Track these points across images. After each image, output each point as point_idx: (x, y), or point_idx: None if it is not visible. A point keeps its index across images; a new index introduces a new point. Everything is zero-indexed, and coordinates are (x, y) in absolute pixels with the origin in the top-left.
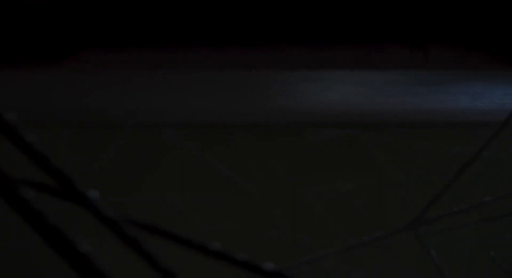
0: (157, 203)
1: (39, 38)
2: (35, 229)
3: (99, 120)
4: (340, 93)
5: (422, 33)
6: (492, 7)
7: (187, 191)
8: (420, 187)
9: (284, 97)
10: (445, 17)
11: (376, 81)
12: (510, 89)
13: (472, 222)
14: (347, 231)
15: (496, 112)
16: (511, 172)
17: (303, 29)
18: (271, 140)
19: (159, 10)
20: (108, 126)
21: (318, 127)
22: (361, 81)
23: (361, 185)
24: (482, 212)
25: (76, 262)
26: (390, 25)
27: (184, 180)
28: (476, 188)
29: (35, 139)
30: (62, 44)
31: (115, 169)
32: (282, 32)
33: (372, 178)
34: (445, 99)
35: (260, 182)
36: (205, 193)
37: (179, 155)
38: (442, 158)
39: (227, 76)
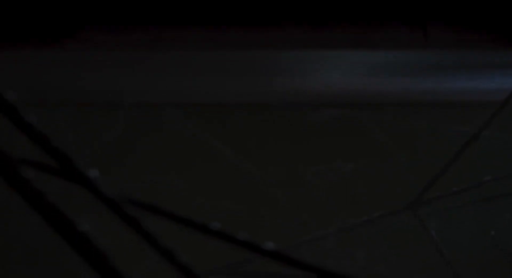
0: (157, 183)
1: (38, 18)
2: (35, 208)
3: (98, 100)
4: (340, 72)
5: (421, 12)
6: None
7: (186, 171)
8: (420, 166)
9: (283, 76)
10: None
11: (375, 61)
12: (509, 68)
13: (472, 202)
14: (347, 211)
15: (496, 92)
16: (511, 152)
17: (302, 9)
18: (270, 119)
19: None
20: (108, 106)
21: (318, 107)
22: (360, 61)
23: (361, 164)
24: (482, 192)
25: (76, 241)
26: (389, 5)
27: (184, 160)
28: (476, 168)
29: (35, 118)
30: (61, 24)
31: (114, 149)
32: (281, 11)
33: (372, 158)
34: (445, 79)
35: (259, 161)
36: (205, 173)
37: (179, 134)
38: (442, 138)
39: (227, 56)
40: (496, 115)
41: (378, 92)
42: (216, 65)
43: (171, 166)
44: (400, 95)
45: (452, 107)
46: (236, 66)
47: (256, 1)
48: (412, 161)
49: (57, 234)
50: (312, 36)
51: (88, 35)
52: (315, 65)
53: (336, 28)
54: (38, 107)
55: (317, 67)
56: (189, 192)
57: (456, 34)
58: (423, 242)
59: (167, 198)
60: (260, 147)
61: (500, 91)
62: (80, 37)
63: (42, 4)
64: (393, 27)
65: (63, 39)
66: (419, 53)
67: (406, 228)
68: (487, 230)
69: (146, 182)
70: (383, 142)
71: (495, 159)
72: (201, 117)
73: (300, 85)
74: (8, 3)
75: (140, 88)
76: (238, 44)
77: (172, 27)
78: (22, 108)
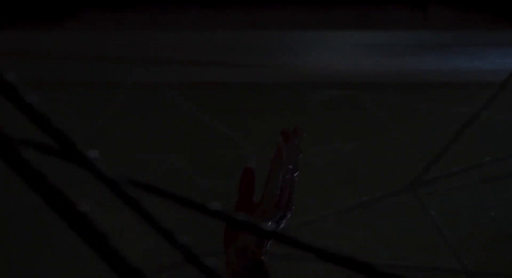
0: (156, 162)
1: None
2: (35, 189)
3: (98, 80)
4: (341, 53)
5: None
6: None
7: (186, 150)
8: (420, 147)
9: (284, 57)
10: None
11: (376, 42)
12: (509, 49)
13: (472, 183)
14: (347, 192)
15: (496, 72)
16: (511, 133)
17: None
18: (271, 99)
19: None
20: (107, 86)
21: (319, 88)
22: (361, 42)
23: (361, 145)
24: (482, 172)
25: (76, 222)
26: None
27: (184, 139)
28: (476, 149)
29: (35, 98)
30: (61, 5)
31: (114, 128)
32: None
33: (372, 138)
34: (445, 59)
35: (259, 141)
36: (204, 153)
37: (179, 114)
38: (442, 118)
39: (227, 36)
40: (496, 96)
41: (378, 73)
42: (216, 45)
43: (170, 145)
44: (401, 76)
45: (452, 87)
46: (237, 46)
47: None
48: (412, 141)
49: (57, 215)
50: (313, 17)
51: (86, 16)
52: (316, 46)
53: (337, 9)
54: (38, 88)
55: (318, 48)
56: (188, 172)
57: (456, 15)
58: (423, 222)
59: (166, 177)
60: (260, 127)
61: (500, 72)
62: (79, 18)
63: None
64: (393, 8)
65: (62, 20)
66: (419, 34)
67: (407, 208)
68: (487, 210)
69: (145, 161)
70: (383, 122)
71: (495, 140)
72: (201, 97)
73: (300, 66)
74: None
75: (139, 67)
76: (239, 25)
77: (172, 7)
78: (22, 89)
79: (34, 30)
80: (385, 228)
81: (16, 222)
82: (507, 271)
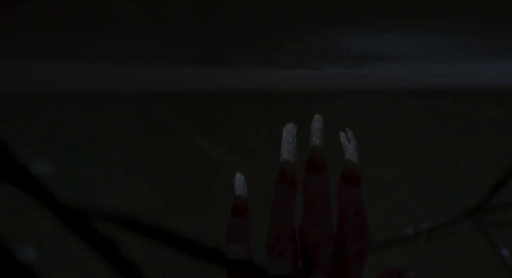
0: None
1: None
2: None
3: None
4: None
5: None
6: None
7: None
8: (483, 166)
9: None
10: None
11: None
12: None
13: None
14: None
15: None
16: None
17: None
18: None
19: None
20: (77, 95)
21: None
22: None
23: (406, 166)
24: None
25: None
26: None
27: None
28: None
29: None
30: None
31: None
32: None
33: (423, 157)
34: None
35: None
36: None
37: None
38: (509, 131)
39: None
40: None
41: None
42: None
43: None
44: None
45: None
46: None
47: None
48: (473, 159)
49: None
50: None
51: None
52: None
53: None
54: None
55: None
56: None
57: None
58: (487, 259)
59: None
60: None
61: None
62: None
63: None
64: None
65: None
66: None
67: (467, 241)
68: None
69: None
70: (437, 136)
71: None
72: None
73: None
74: None
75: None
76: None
77: None
78: None
79: None
80: (441, 262)
81: None
82: None
